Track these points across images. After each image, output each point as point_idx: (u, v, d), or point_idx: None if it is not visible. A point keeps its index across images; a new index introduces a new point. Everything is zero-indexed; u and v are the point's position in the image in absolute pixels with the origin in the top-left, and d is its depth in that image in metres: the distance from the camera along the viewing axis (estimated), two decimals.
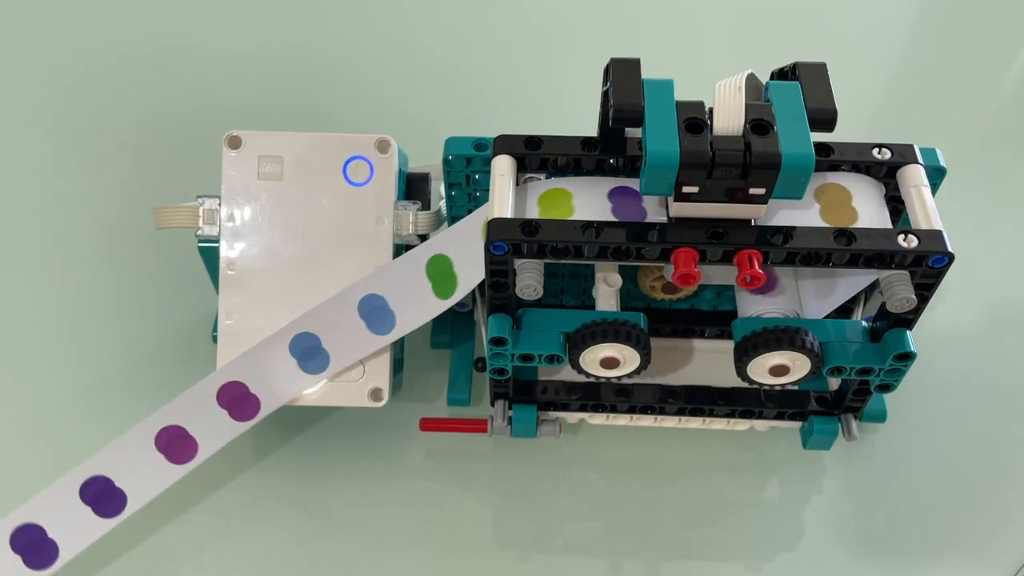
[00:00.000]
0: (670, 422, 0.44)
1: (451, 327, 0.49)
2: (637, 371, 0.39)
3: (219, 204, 0.42)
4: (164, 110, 0.61)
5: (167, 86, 0.62)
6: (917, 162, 0.36)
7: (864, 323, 0.39)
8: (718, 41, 0.66)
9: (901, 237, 0.34)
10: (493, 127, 0.42)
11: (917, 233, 0.34)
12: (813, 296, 0.40)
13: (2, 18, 0.66)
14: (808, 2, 0.69)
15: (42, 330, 0.50)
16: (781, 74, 0.36)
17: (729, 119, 0.32)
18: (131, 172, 0.57)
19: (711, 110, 0.33)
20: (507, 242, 0.34)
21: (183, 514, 0.44)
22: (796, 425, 0.45)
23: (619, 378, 0.39)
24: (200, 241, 0.44)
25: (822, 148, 0.37)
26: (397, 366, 0.45)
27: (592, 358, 0.38)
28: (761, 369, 0.38)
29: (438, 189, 0.47)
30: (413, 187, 0.45)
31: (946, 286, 0.49)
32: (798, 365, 0.38)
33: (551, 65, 0.64)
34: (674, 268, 0.34)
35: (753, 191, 0.33)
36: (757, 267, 0.33)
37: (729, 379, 0.44)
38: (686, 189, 0.33)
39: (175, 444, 0.40)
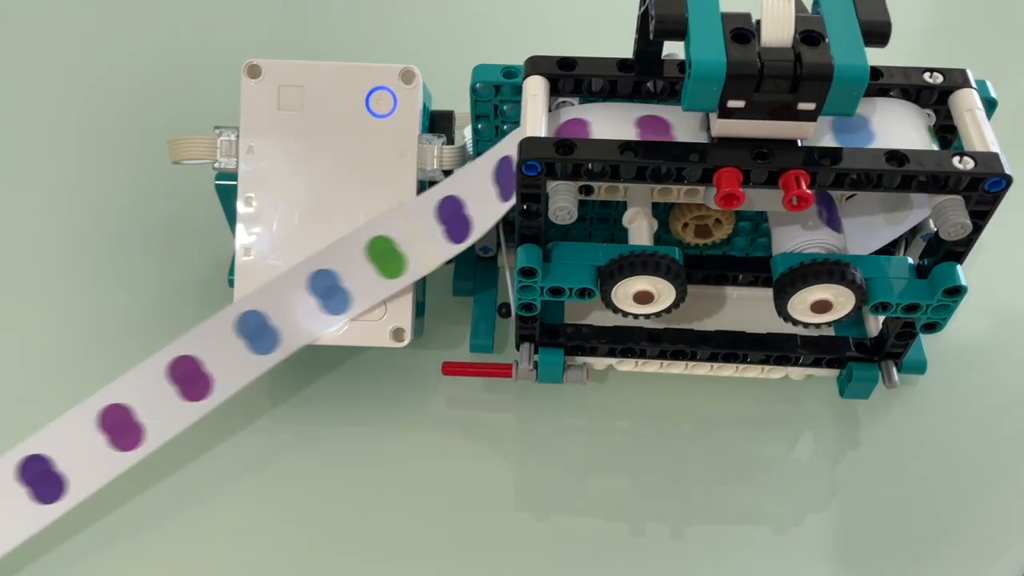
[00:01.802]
0: (702, 369, 0.43)
1: (473, 273, 0.47)
2: (672, 307, 0.37)
3: (237, 136, 0.41)
4: (181, 41, 0.59)
5: (184, 16, 0.61)
6: (971, 86, 0.35)
7: (910, 260, 0.37)
8: None
9: (956, 159, 0.32)
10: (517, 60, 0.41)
11: (973, 155, 0.32)
12: (853, 237, 0.38)
13: None
14: None
15: (48, 279, 0.49)
16: None
17: (778, 30, 0.31)
18: (147, 105, 0.56)
19: (758, 22, 0.31)
20: (541, 161, 0.33)
21: (199, 457, 0.42)
22: (832, 374, 0.43)
23: (652, 315, 0.38)
24: (217, 178, 0.42)
25: (871, 71, 0.35)
26: (419, 310, 0.44)
27: (625, 292, 0.37)
28: (803, 305, 0.36)
29: (462, 134, 0.46)
30: (436, 126, 0.43)
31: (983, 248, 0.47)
32: (842, 301, 0.36)
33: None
34: (716, 189, 0.32)
35: (802, 106, 0.31)
36: (804, 187, 0.32)
37: (763, 327, 0.43)
38: (731, 103, 0.31)
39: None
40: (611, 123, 0.34)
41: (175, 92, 0.57)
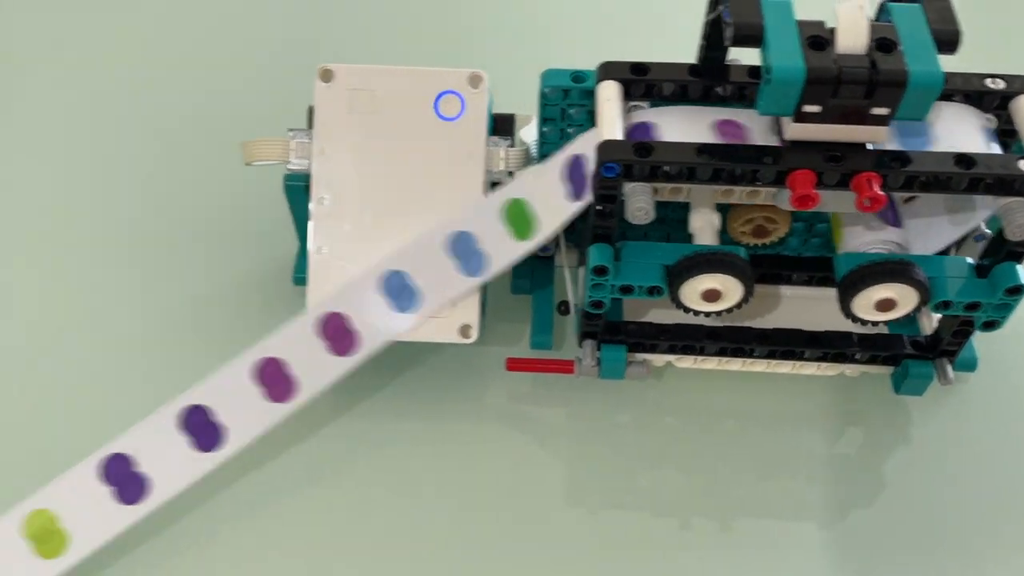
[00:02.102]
0: (759, 366, 0.44)
1: (531, 272, 0.48)
2: (739, 304, 0.38)
3: (310, 137, 0.42)
4: (250, 44, 0.60)
5: (256, 18, 0.62)
6: None
7: (970, 260, 0.38)
8: None
9: (1022, 162, 0.33)
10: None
11: None
12: (914, 237, 0.40)
13: None
14: None
15: (112, 276, 0.50)
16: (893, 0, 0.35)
17: (853, 37, 0.32)
18: (216, 108, 0.57)
19: (831, 29, 0.33)
20: (619, 163, 0.34)
21: (278, 456, 0.44)
22: (886, 371, 0.44)
23: (718, 313, 0.39)
24: (287, 179, 0.44)
25: None
26: (482, 308, 0.45)
27: (693, 290, 0.38)
28: (866, 303, 0.37)
29: (519, 135, 0.47)
30: (498, 128, 0.44)
31: None
32: (905, 299, 0.37)
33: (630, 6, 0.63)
34: (791, 191, 0.33)
35: (876, 111, 0.32)
36: (877, 189, 0.33)
37: (816, 324, 0.44)
38: (807, 108, 0.32)
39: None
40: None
41: (242, 94, 0.58)
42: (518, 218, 0.40)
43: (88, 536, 0.39)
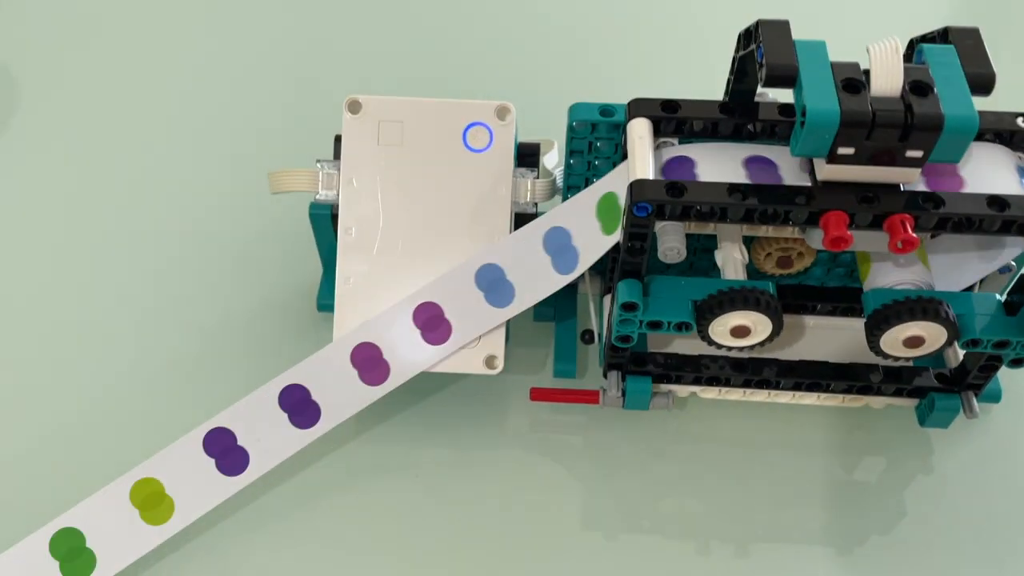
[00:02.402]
0: (784, 397, 0.44)
1: (554, 299, 0.48)
2: (768, 340, 0.38)
3: (338, 168, 0.42)
4: (279, 75, 0.61)
5: (285, 51, 0.62)
6: None
7: (998, 296, 0.38)
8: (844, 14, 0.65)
9: None
10: (597, 98, 0.42)
11: None
12: (943, 272, 0.40)
13: None
14: None
15: (138, 299, 0.50)
16: (925, 40, 0.35)
17: (888, 80, 0.32)
18: (245, 139, 0.57)
19: (866, 72, 0.33)
20: (652, 203, 0.34)
21: (298, 473, 0.44)
22: (911, 403, 0.44)
23: (748, 348, 0.39)
24: (312, 208, 0.44)
25: None
26: (507, 336, 0.45)
27: (722, 327, 0.38)
28: (895, 341, 0.37)
29: (542, 162, 0.47)
30: (524, 157, 0.45)
31: None
32: (933, 336, 0.37)
33: (664, 35, 0.64)
34: (824, 232, 0.33)
35: (910, 154, 0.32)
36: (910, 231, 0.33)
37: (840, 355, 0.44)
38: (841, 151, 0.32)
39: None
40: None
41: (271, 123, 0.58)
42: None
43: (191, 505, 0.40)
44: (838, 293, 0.46)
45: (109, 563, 0.40)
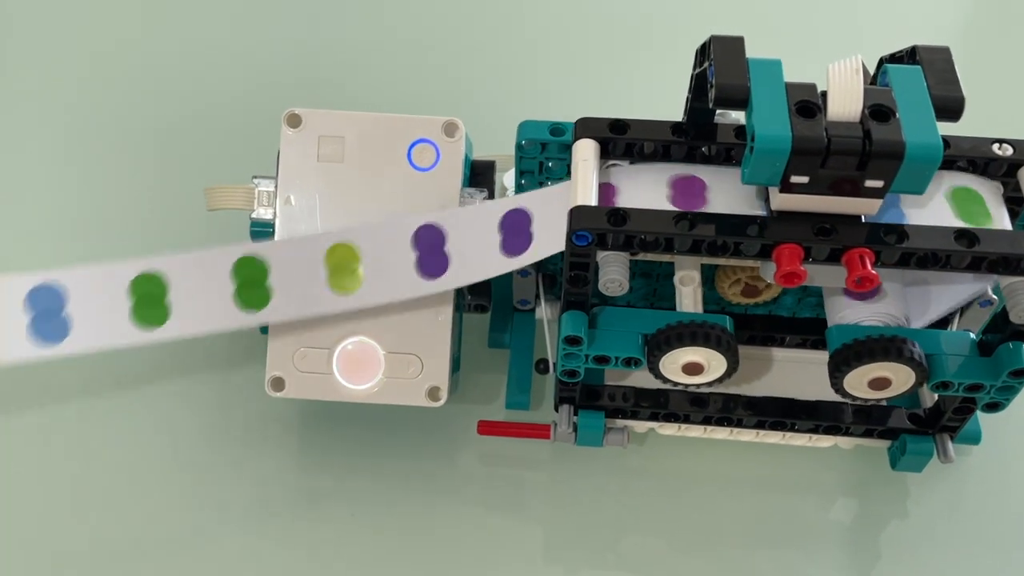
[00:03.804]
0: (746, 436, 0.41)
1: (510, 326, 0.46)
2: (722, 378, 0.36)
3: (275, 186, 0.40)
4: (219, 88, 0.58)
5: (223, 64, 0.60)
6: None
7: (972, 335, 0.35)
8: (805, 28, 0.62)
9: None
10: (563, 115, 0.40)
11: None
12: (916, 301, 0.37)
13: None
14: None
15: None
16: (894, 60, 0.33)
17: (846, 103, 0.29)
18: (185, 152, 0.55)
19: (823, 94, 0.30)
20: (592, 232, 0.31)
21: (226, 511, 0.42)
22: (884, 444, 0.41)
23: (700, 385, 0.36)
24: (254, 226, 0.41)
25: None
26: (454, 365, 0.42)
27: (673, 363, 0.35)
28: (859, 382, 0.35)
29: (501, 180, 0.45)
30: (477, 176, 0.42)
31: None
32: (901, 378, 0.34)
33: (622, 52, 0.61)
34: (776, 267, 0.31)
35: (869, 183, 0.30)
36: (869, 267, 0.30)
37: (811, 391, 0.41)
38: (794, 179, 0.30)
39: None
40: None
41: (215, 138, 0.56)
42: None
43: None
44: (809, 324, 0.43)
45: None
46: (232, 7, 0.62)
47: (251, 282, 0.38)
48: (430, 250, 0.37)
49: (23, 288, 0.39)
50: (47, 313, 0.39)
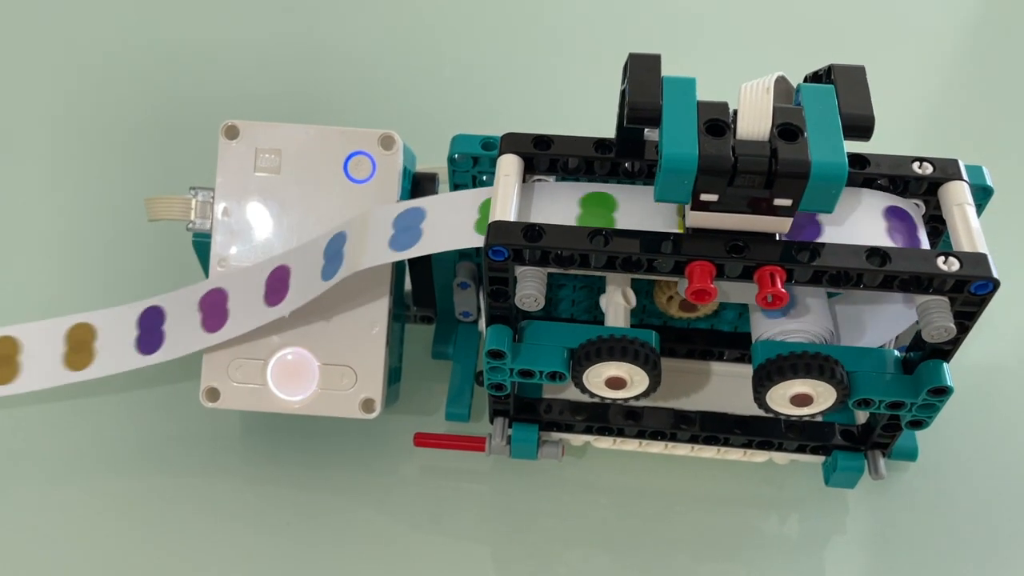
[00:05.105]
0: (682, 450, 0.41)
1: (453, 337, 0.46)
2: (645, 393, 0.36)
3: (213, 197, 0.40)
4: (161, 100, 0.59)
5: (164, 76, 0.60)
6: (961, 179, 0.33)
7: (896, 352, 0.36)
8: (750, 42, 0.62)
9: (941, 259, 0.31)
10: (508, 127, 0.40)
11: (959, 256, 0.31)
12: (865, 321, 0.37)
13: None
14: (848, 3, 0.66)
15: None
16: (815, 78, 0.33)
17: (754, 122, 0.29)
18: (126, 163, 0.55)
19: (735, 112, 0.30)
20: (508, 247, 0.32)
21: (163, 523, 0.42)
22: (818, 460, 0.41)
23: (625, 400, 0.36)
24: (196, 236, 0.42)
25: (856, 160, 0.34)
26: (393, 375, 0.43)
27: (596, 377, 0.35)
28: (781, 398, 0.35)
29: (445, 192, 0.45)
30: (420, 187, 0.42)
31: (988, 316, 0.46)
32: (822, 395, 0.34)
33: (568, 64, 0.61)
34: (688, 283, 0.31)
35: (778, 202, 0.30)
36: (779, 286, 0.30)
37: (748, 406, 0.41)
38: (704, 197, 0.30)
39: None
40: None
41: (157, 150, 0.56)
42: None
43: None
44: (748, 339, 0.43)
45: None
46: (175, 17, 0.63)
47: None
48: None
49: None
50: None
